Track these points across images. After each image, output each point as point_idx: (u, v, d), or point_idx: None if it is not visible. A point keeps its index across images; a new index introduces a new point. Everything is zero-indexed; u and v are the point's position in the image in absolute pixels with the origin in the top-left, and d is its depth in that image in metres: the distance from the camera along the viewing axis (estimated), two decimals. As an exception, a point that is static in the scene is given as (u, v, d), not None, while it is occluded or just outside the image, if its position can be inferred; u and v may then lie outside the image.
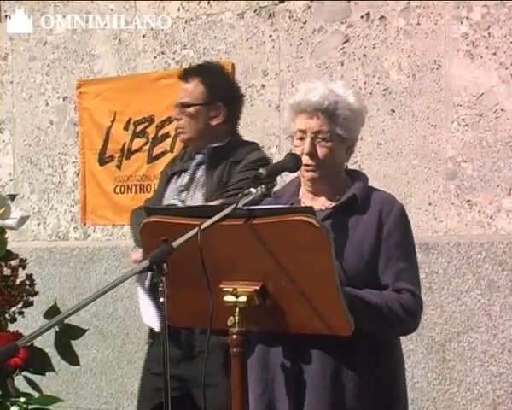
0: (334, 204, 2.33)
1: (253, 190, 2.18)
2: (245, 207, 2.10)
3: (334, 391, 2.22)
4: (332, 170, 2.35)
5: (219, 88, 2.92)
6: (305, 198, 2.38)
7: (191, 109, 2.91)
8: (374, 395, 2.25)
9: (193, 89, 2.93)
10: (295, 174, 2.40)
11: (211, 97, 2.90)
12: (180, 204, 2.85)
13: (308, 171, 2.33)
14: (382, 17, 4.11)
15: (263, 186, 2.19)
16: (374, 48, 4.13)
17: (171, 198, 2.94)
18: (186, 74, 2.98)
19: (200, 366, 2.66)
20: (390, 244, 2.28)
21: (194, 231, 2.01)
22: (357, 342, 2.17)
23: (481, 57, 3.88)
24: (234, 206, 2.06)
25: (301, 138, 2.34)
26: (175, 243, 1.96)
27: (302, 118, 2.33)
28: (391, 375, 2.33)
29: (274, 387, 2.25)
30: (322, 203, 2.35)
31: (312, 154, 2.32)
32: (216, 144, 2.91)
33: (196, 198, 2.88)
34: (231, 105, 2.94)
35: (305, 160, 2.32)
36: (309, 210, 2.07)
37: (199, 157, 2.94)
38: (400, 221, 2.33)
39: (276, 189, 2.53)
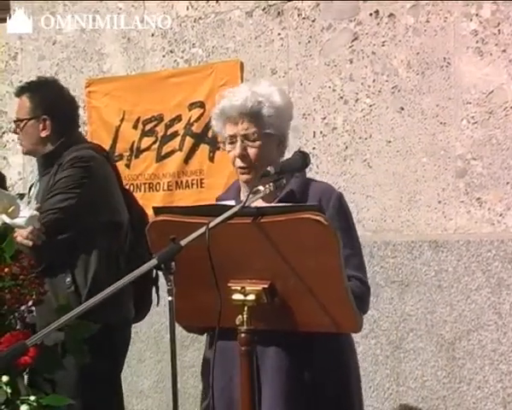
0: (273, 202, 2.35)
1: (261, 187, 2.18)
2: (253, 206, 2.10)
3: (291, 385, 2.24)
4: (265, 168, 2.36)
5: (44, 102, 3.13)
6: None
7: (21, 124, 3.14)
8: (329, 389, 2.28)
9: (22, 105, 3.16)
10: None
11: (36, 111, 3.12)
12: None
13: (243, 174, 2.40)
14: (391, 15, 4.10)
15: (271, 184, 2.20)
16: (383, 45, 4.12)
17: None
18: (18, 91, 3.22)
19: None
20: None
21: (203, 229, 2.01)
22: (312, 338, 2.18)
23: (491, 54, 3.86)
24: (242, 204, 2.06)
25: (232, 143, 2.38)
26: (183, 242, 1.96)
27: (230, 123, 2.39)
28: (344, 368, 2.36)
29: (234, 383, 2.25)
30: (262, 203, 2.36)
31: (243, 156, 2.38)
32: (45, 151, 3.11)
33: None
34: (57, 117, 3.12)
35: (238, 163, 2.39)
36: (317, 208, 2.07)
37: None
38: (340, 209, 2.36)
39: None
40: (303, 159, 2.31)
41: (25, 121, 3.14)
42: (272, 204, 2.33)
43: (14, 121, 3.23)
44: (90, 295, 2.91)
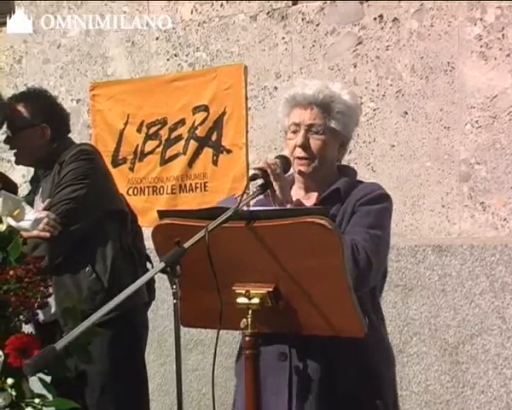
0: (319, 198, 2.35)
1: (249, 191, 2.18)
2: (245, 209, 2.09)
3: (324, 397, 2.21)
4: (324, 165, 2.34)
5: (41, 110, 3.16)
6: (297, 197, 2.38)
7: (19, 132, 3.14)
8: (364, 399, 2.25)
9: (18, 114, 3.16)
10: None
11: (36, 119, 3.14)
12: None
13: (301, 164, 2.33)
14: (395, 19, 4.11)
15: (258, 188, 2.20)
16: (387, 50, 4.13)
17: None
18: (12, 101, 3.22)
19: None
20: (358, 215, 2.26)
21: (203, 232, 2.01)
22: (347, 343, 2.17)
23: (495, 59, 3.87)
24: (234, 208, 2.05)
25: (295, 132, 2.34)
26: (187, 245, 1.97)
27: (296, 111, 2.34)
28: (379, 375, 2.32)
29: (265, 388, 2.23)
30: (313, 200, 2.35)
31: (305, 146, 2.32)
32: (41, 156, 3.14)
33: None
34: (54, 124, 3.17)
35: (298, 152, 2.33)
36: (321, 211, 2.07)
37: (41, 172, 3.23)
38: (375, 200, 2.30)
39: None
40: (284, 163, 2.29)
41: (24, 130, 3.15)
42: (272, 207, 2.32)
43: (11, 129, 3.18)
44: (111, 281, 3.00)
